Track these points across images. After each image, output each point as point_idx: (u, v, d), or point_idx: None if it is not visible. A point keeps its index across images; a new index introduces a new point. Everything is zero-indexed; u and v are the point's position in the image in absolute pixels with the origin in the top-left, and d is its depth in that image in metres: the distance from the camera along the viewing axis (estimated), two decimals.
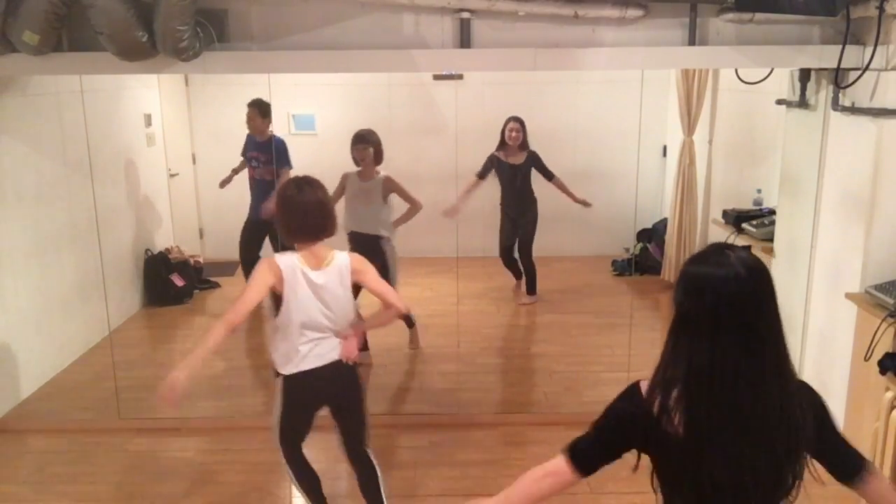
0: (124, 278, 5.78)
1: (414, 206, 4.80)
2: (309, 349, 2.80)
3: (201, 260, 6.57)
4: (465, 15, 3.53)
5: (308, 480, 3.04)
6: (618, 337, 4.91)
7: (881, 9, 3.23)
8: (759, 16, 3.51)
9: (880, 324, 3.18)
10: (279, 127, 5.39)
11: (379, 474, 3.00)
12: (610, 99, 6.60)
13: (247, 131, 5.59)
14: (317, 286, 2.75)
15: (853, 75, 3.51)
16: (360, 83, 6.69)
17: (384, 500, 3.01)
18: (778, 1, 3.28)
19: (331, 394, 2.90)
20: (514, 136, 5.62)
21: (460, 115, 5.68)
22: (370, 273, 2.85)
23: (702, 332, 1.48)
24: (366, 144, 4.74)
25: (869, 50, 3.42)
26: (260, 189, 5.49)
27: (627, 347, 4.63)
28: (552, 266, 6.87)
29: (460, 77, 6.24)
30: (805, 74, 3.90)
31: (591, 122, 6.84)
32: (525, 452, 3.84)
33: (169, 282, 6.08)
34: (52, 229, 4.77)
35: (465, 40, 3.58)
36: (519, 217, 5.84)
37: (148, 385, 4.69)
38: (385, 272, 4.74)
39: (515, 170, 5.70)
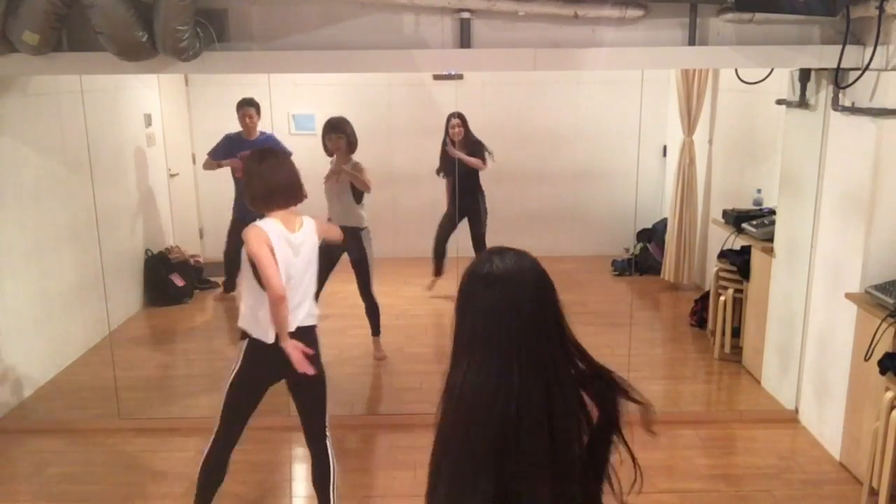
0: (124, 278, 5.78)
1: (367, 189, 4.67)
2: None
3: (201, 260, 6.57)
4: (465, 15, 3.53)
5: (218, 475, 2.97)
6: (618, 337, 4.90)
7: (881, 9, 3.23)
8: (759, 16, 3.51)
9: (880, 324, 3.18)
10: (279, 127, 5.37)
11: (332, 469, 2.98)
12: (610, 99, 6.60)
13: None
14: (296, 246, 2.84)
15: (853, 75, 3.51)
16: (360, 83, 6.69)
17: (331, 498, 2.96)
18: (778, 1, 3.29)
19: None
20: (457, 131, 5.60)
21: None
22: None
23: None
24: (339, 134, 4.61)
25: (869, 50, 3.42)
26: None
27: (627, 347, 4.63)
28: (552, 266, 6.77)
29: (460, 77, 6.23)
30: (805, 74, 3.90)
31: (591, 122, 6.85)
32: None
33: (169, 282, 6.08)
34: (51, 229, 4.76)
35: (465, 40, 3.58)
36: (464, 210, 5.76)
37: (148, 385, 4.70)
38: (366, 264, 4.70)
39: (459, 164, 5.65)
